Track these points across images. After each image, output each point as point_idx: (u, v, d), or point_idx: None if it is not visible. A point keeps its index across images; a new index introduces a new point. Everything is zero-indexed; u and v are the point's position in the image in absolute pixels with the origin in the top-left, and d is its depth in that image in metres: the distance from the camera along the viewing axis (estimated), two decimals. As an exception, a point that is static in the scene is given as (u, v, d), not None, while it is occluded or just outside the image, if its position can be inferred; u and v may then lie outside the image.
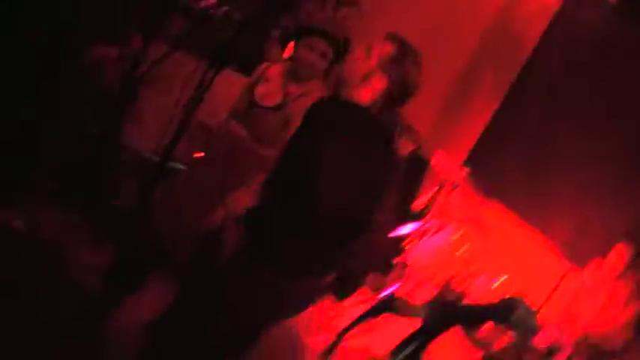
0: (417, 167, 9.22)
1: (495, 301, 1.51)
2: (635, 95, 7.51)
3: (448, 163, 6.87)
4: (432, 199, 6.81)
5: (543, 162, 7.99)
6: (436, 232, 6.56)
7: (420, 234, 6.28)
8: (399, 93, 3.51)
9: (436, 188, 6.85)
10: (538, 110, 8.37)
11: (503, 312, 1.60)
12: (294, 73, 4.60)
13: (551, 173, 7.81)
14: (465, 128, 9.17)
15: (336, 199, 3.21)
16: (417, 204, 7.31)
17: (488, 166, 8.38)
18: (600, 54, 8.03)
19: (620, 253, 6.08)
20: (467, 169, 6.43)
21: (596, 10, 8.28)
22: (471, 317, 1.51)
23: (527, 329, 1.63)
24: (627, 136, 7.38)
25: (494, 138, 8.73)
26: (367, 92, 3.46)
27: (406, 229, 6.68)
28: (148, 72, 4.95)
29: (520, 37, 9.09)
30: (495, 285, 5.90)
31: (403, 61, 3.44)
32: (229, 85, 4.89)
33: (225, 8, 5.04)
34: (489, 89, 9.24)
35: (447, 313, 1.42)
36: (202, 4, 5.71)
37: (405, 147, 8.90)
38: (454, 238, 6.44)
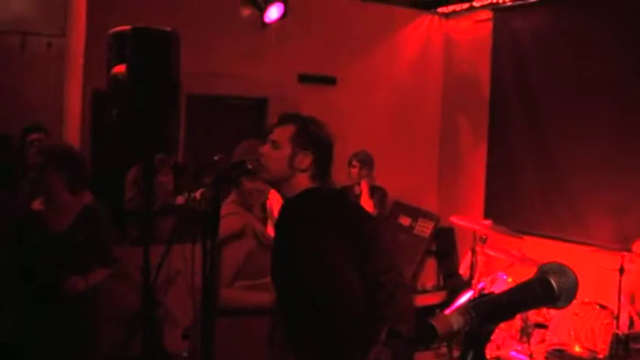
0: (446, 239, 9.33)
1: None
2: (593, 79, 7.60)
3: (470, 222, 6.93)
4: (472, 260, 6.85)
5: (552, 179, 8.04)
6: (492, 285, 6.59)
7: (480, 294, 6.28)
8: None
9: (470, 252, 6.89)
10: (524, 134, 8.46)
11: (541, 292, 1.61)
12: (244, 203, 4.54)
13: (563, 185, 7.86)
14: (469, 183, 9.29)
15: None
16: (463, 270, 7.37)
17: (505, 208, 8.47)
18: (546, 50, 8.20)
19: None
20: (488, 221, 6.48)
21: (525, 19, 8.49)
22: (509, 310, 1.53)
23: (572, 290, 1.64)
24: (610, 118, 7.43)
25: (500, 180, 8.82)
26: None
27: (465, 297, 6.72)
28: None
29: (473, 77, 9.31)
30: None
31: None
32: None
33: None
34: (470, 136, 9.39)
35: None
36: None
37: (425, 228, 9.03)
38: (509, 283, 6.47)
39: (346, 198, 3.81)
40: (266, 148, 3.45)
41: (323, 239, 3.38)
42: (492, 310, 1.78)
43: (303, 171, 3.41)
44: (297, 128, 3.43)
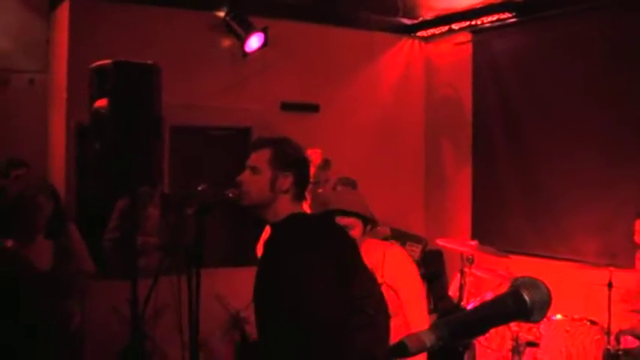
0: (435, 262, 9.34)
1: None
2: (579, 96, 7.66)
3: (456, 244, 6.95)
4: (461, 282, 6.86)
5: (537, 197, 8.08)
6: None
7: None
8: None
9: (458, 273, 6.91)
10: (508, 154, 8.50)
11: (514, 306, 1.60)
12: None
13: (548, 204, 7.90)
14: (455, 205, 9.32)
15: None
16: (452, 291, 7.38)
17: (492, 228, 8.51)
18: (527, 70, 8.28)
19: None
20: (474, 242, 6.50)
21: (504, 41, 8.56)
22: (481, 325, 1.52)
23: (545, 303, 1.64)
24: (593, 135, 7.49)
25: (485, 200, 8.85)
26: None
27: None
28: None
29: (454, 99, 9.37)
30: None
31: None
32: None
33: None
34: (454, 158, 9.43)
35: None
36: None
37: (413, 252, 9.03)
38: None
39: (331, 224, 3.80)
40: (245, 175, 3.45)
41: (312, 268, 3.38)
42: (464, 326, 1.79)
43: (284, 193, 3.42)
44: (273, 151, 3.44)
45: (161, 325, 6.29)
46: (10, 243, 4.96)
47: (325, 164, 6.53)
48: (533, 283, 1.85)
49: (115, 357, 6.36)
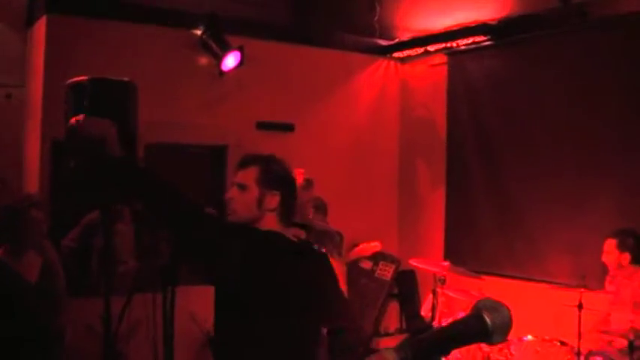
0: (407, 281, 9.39)
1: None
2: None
3: (428, 264, 6.99)
4: (434, 302, 6.90)
5: (510, 219, 8.14)
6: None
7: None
8: None
9: (430, 293, 6.95)
10: (481, 175, 8.56)
11: (475, 327, 1.63)
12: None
13: (521, 225, 7.96)
14: (428, 225, 9.37)
15: None
16: (424, 311, 7.43)
17: (465, 248, 8.56)
18: (501, 92, 8.36)
19: (611, 247, 6.25)
20: (447, 263, 6.55)
21: (478, 63, 8.65)
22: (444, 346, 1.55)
23: (506, 326, 1.66)
24: (565, 157, 7.58)
25: (459, 221, 8.90)
26: None
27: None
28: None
29: (429, 120, 9.43)
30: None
31: None
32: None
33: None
34: (428, 178, 9.49)
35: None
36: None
37: (386, 271, 9.08)
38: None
39: (310, 248, 3.80)
40: (233, 192, 3.46)
41: (283, 285, 3.39)
42: (428, 346, 1.82)
43: (271, 211, 3.44)
44: (261, 169, 3.46)
45: (134, 343, 6.26)
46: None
47: (307, 184, 6.56)
48: (494, 306, 1.89)
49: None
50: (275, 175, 3.48)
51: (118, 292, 4.52)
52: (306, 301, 3.41)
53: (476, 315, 1.88)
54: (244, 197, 3.44)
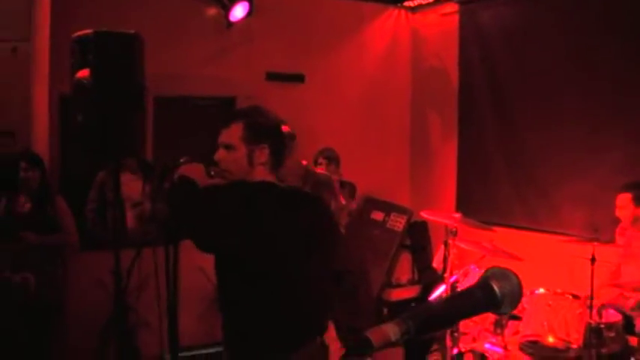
0: (419, 233, 9.36)
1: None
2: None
3: (440, 216, 6.94)
4: (445, 254, 6.86)
5: (523, 170, 8.07)
6: (464, 278, 6.61)
7: (452, 287, 6.32)
8: None
9: (442, 245, 6.91)
10: (494, 126, 8.48)
11: (483, 298, 1.55)
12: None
13: (534, 176, 7.89)
14: (440, 177, 9.32)
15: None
16: (436, 263, 7.40)
17: (477, 200, 8.52)
18: (513, 42, 8.24)
19: (626, 201, 6.17)
20: (458, 214, 6.49)
21: (491, 12, 8.51)
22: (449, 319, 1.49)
23: (515, 295, 1.60)
24: (580, 108, 7.48)
25: (471, 172, 8.84)
26: None
27: (441, 289, 6.75)
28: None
29: (441, 70, 9.33)
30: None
31: None
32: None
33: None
34: (440, 129, 9.42)
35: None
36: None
37: (397, 222, 9.06)
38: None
39: (304, 193, 3.75)
40: (221, 154, 3.40)
41: (282, 231, 3.34)
42: (432, 319, 1.75)
43: (263, 164, 3.39)
44: (245, 125, 3.38)
45: (144, 297, 6.27)
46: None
47: (290, 138, 6.51)
48: (503, 274, 1.81)
49: (98, 329, 6.36)
50: (260, 128, 3.40)
51: (129, 246, 4.52)
52: (307, 246, 3.38)
53: (484, 284, 1.81)
54: (233, 157, 3.38)
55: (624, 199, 6.21)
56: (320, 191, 5.37)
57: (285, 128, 5.44)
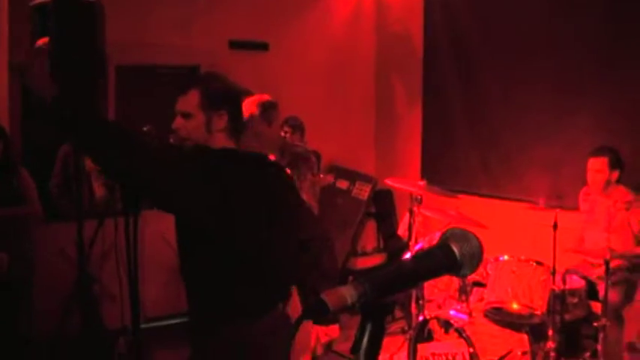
0: (384, 201, 9.37)
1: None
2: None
3: (404, 183, 6.94)
4: (410, 221, 6.87)
5: (487, 137, 8.10)
6: (429, 246, 6.63)
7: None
8: None
9: (407, 213, 6.91)
10: (458, 93, 8.49)
11: (442, 259, 1.52)
12: None
13: (498, 143, 7.93)
14: (405, 144, 9.33)
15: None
16: (402, 231, 7.41)
17: (442, 167, 8.54)
18: (478, 6, 8.25)
19: (602, 165, 6.17)
20: (423, 182, 6.50)
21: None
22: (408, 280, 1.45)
23: (475, 256, 1.56)
24: (545, 74, 7.49)
25: (435, 140, 8.87)
26: None
27: (407, 256, 6.76)
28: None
29: (406, 36, 9.30)
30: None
31: None
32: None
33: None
34: (405, 97, 9.42)
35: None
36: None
37: (362, 191, 9.06)
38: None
39: (265, 161, 3.71)
40: (179, 122, 3.35)
41: (241, 199, 3.31)
42: (390, 281, 1.70)
43: (221, 131, 3.35)
44: (202, 92, 3.33)
45: (108, 268, 6.21)
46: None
47: (272, 107, 6.46)
48: (463, 236, 1.77)
49: (63, 301, 6.30)
50: (217, 95, 3.35)
51: (94, 216, 4.48)
52: (270, 213, 3.35)
53: (443, 245, 1.77)
54: (191, 124, 3.33)
55: (600, 163, 6.20)
56: (297, 164, 5.36)
57: (266, 97, 5.42)
